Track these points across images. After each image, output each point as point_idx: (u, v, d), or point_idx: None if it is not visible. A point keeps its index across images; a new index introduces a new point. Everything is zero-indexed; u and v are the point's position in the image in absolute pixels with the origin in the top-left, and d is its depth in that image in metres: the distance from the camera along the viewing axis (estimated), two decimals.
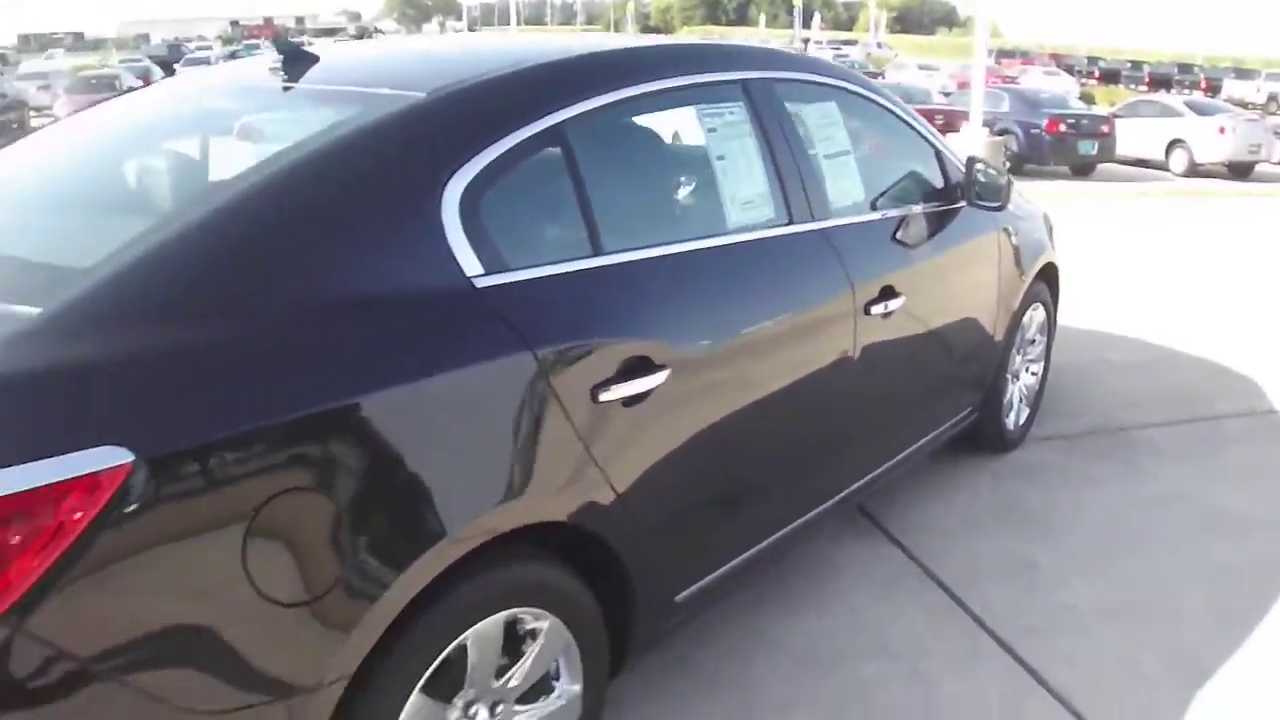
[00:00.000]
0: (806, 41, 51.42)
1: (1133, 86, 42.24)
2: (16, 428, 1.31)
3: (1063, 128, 15.68)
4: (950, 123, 15.00)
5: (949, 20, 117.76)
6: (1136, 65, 49.35)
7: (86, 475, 1.28)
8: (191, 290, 1.55)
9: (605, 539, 1.98)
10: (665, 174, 2.57)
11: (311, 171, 1.77)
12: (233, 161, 1.98)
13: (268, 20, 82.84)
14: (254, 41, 48.98)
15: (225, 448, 1.41)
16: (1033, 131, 15.79)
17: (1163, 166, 17.37)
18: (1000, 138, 14.71)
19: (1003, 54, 48.39)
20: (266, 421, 1.46)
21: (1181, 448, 4.19)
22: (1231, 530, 3.44)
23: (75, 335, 1.42)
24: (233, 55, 32.46)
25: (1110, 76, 44.54)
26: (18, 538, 1.25)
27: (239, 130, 2.24)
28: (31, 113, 21.49)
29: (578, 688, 2.02)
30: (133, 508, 1.31)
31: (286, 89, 2.25)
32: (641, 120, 2.50)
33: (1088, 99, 28.86)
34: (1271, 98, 36.05)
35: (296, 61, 2.28)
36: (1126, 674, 2.63)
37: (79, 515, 1.27)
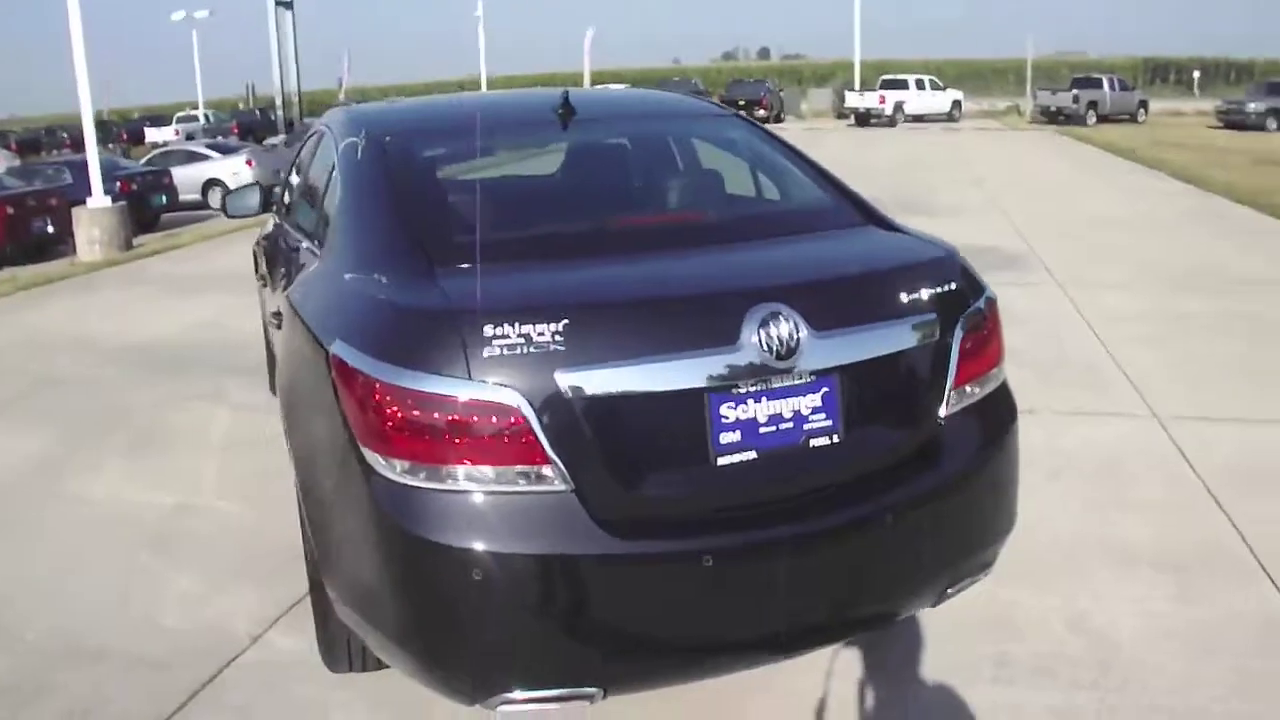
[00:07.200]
0: None
1: (56, 152, 41.05)
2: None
3: (134, 186, 15.40)
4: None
5: None
6: (50, 131, 48.34)
7: None
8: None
9: None
10: None
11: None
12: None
13: None
14: None
15: None
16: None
17: (202, 205, 18.04)
18: None
19: None
20: None
21: None
22: None
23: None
24: None
25: (31, 146, 42.43)
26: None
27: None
28: None
29: None
30: None
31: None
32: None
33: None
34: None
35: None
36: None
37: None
